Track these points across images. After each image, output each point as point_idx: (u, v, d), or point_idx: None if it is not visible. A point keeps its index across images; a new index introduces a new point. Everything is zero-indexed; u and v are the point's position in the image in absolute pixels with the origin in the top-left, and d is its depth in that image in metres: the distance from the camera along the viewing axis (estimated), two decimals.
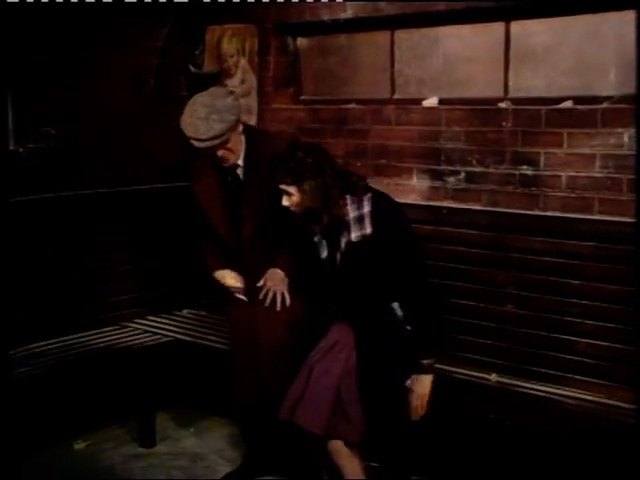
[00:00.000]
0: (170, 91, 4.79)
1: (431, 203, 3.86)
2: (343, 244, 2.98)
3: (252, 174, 3.23)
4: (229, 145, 3.13)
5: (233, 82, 4.71)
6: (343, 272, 3.03)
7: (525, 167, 3.60)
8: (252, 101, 4.64)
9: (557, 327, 3.50)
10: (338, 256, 3.02)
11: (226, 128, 3.05)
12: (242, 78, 4.67)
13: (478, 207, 3.75)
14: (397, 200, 3.20)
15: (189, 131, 3.04)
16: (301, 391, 3.04)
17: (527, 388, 3.48)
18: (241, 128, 3.21)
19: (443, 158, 3.85)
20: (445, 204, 3.84)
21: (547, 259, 3.52)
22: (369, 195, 2.98)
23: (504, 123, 3.64)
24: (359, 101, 4.22)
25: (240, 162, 3.23)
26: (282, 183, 2.94)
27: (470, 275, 3.75)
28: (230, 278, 3.46)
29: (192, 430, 4.33)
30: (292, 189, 2.93)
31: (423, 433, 3.17)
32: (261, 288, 3.27)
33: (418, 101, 4.00)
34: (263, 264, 3.28)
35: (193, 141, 3.04)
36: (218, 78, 4.75)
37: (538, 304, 3.56)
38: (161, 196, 4.72)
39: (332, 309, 3.19)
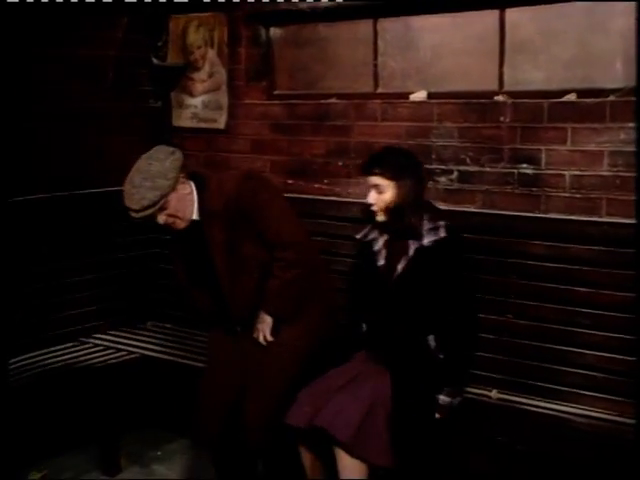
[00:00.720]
0: (131, 86, 4.44)
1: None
2: (412, 250, 2.93)
3: (211, 228, 2.95)
4: (169, 210, 2.84)
5: (200, 75, 4.40)
6: (402, 281, 2.97)
7: (525, 165, 3.34)
8: (221, 96, 4.33)
9: (561, 339, 3.25)
10: (401, 265, 2.96)
11: (159, 195, 2.77)
12: (210, 71, 4.35)
13: (473, 209, 3.49)
14: None
15: (125, 201, 2.79)
16: (323, 400, 2.87)
17: (532, 406, 3.22)
18: (187, 187, 2.93)
19: (434, 156, 3.59)
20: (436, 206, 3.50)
21: (549, 265, 3.27)
22: (444, 222, 2.98)
23: (502, 118, 3.39)
24: (339, 96, 3.91)
25: (195, 217, 2.95)
26: (381, 176, 2.92)
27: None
28: None
29: (160, 454, 3.97)
30: (388, 184, 2.92)
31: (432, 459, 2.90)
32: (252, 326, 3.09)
33: (404, 95, 3.72)
34: (251, 297, 3.04)
35: (129, 212, 2.79)
36: (183, 71, 4.44)
37: (540, 314, 3.31)
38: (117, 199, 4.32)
39: (361, 330, 3.07)
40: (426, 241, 2.92)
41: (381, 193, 2.94)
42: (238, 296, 2.99)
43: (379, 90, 3.85)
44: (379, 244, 3.05)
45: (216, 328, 3.21)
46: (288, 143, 4.06)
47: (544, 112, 3.27)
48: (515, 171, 3.37)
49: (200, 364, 3.63)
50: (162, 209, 2.79)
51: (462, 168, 3.51)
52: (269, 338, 3.03)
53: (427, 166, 3.55)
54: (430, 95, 3.66)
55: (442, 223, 2.95)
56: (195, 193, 2.94)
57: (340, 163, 3.87)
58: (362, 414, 2.81)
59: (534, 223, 3.32)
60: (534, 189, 3.33)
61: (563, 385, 3.25)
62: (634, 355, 3.02)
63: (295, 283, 2.97)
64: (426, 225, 2.95)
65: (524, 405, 3.24)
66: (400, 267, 2.97)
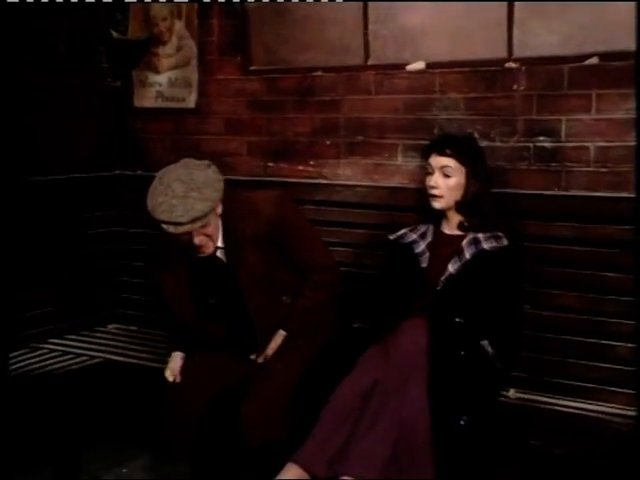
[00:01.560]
0: (86, 61, 3.97)
1: (421, 186, 3.18)
2: (469, 253, 2.76)
3: (242, 254, 2.71)
4: (209, 230, 2.58)
5: (166, 50, 3.97)
6: (453, 283, 2.77)
7: (542, 138, 3.01)
8: (191, 72, 3.90)
9: (588, 330, 2.91)
10: (453, 266, 2.78)
11: (210, 207, 2.51)
12: (178, 45, 3.92)
13: None
14: None
15: (161, 213, 2.47)
16: (341, 442, 2.54)
17: (558, 405, 2.88)
18: (220, 206, 2.64)
19: (437, 131, 3.22)
20: None
21: (572, 248, 2.94)
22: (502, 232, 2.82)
23: (515, 86, 3.05)
24: (326, 69, 3.51)
25: (220, 244, 2.71)
26: (453, 157, 2.76)
27: None
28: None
29: (125, 471, 3.48)
30: (458, 168, 2.77)
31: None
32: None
33: (400, 67, 3.33)
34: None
35: (167, 226, 2.48)
36: (147, 46, 3.98)
37: (563, 303, 2.97)
38: (77, 188, 3.90)
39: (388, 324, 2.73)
40: (487, 246, 2.74)
41: (448, 177, 2.76)
42: (268, 323, 2.79)
43: (370, 62, 3.46)
44: (421, 247, 2.89)
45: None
46: (267, 122, 3.66)
47: (564, 78, 2.94)
48: (531, 145, 3.03)
49: None
50: (204, 226, 2.53)
51: None
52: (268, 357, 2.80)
53: (428, 142, 3.18)
54: (429, 66, 3.27)
55: (500, 234, 2.79)
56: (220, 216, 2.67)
57: (328, 142, 3.49)
58: (389, 449, 2.50)
59: (553, 202, 2.99)
60: (553, 164, 2.99)
61: (591, 382, 2.91)
62: None
63: (326, 303, 2.85)
64: (480, 233, 2.81)
65: (548, 405, 2.90)
66: (452, 268, 2.77)
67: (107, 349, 3.55)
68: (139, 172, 4.04)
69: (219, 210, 2.61)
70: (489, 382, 2.72)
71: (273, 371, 2.72)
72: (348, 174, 3.43)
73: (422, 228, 2.97)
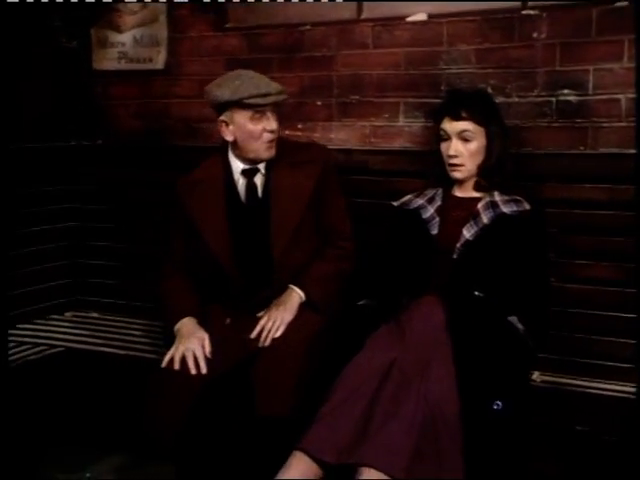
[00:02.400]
0: (36, 21, 3.48)
1: (427, 148, 2.85)
2: (487, 218, 2.45)
3: (280, 179, 2.54)
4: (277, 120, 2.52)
5: (130, 6, 3.52)
6: (471, 249, 2.45)
7: (566, 92, 2.70)
8: (159, 29, 3.50)
9: (620, 303, 2.60)
10: (469, 232, 2.47)
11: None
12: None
13: None
14: None
15: (245, 89, 2.40)
16: (354, 426, 2.15)
17: (590, 388, 2.56)
18: None
19: (444, 87, 2.88)
20: None
21: (601, 212, 2.65)
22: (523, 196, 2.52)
23: (535, 34, 2.72)
24: (314, 24, 3.15)
25: (261, 167, 2.55)
26: (471, 120, 2.46)
27: None
28: (195, 340, 2.42)
29: (89, 476, 3.01)
30: (477, 131, 2.47)
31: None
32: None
33: (396, 19, 2.99)
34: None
35: (254, 99, 2.40)
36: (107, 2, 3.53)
37: (591, 274, 2.67)
38: (28, 160, 3.43)
39: (400, 302, 2.41)
40: (507, 210, 2.45)
41: (468, 142, 2.47)
42: (288, 275, 2.53)
43: (363, 16, 3.09)
44: (429, 211, 2.58)
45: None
46: None
47: (592, 23, 2.64)
48: (553, 99, 2.72)
49: (146, 355, 2.88)
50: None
51: None
52: (282, 328, 2.44)
53: (434, 100, 2.87)
54: (434, 16, 2.93)
55: (519, 197, 2.51)
56: None
57: (319, 102, 3.13)
58: (414, 439, 2.12)
59: (579, 162, 2.69)
60: (578, 120, 2.69)
61: (624, 361, 2.61)
62: None
63: (345, 276, 2.60)
64: (497, 196, 2.51)
65: (579, 388, 2.57)
66: (469, 234, 2.47)
67: (67, 337, 3.09)
68: (99, 142, 3.59)
69: None
70: (522, 362, 2.38)
71: (284, 340, 2.40)
72: (342, 138, 3.08)
73: (430, 192, 2.65)
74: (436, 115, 2.60)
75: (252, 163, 2.53)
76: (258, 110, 2.41)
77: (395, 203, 2.69)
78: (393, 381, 2.22)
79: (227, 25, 3.34)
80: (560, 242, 2.67)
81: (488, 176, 2.52)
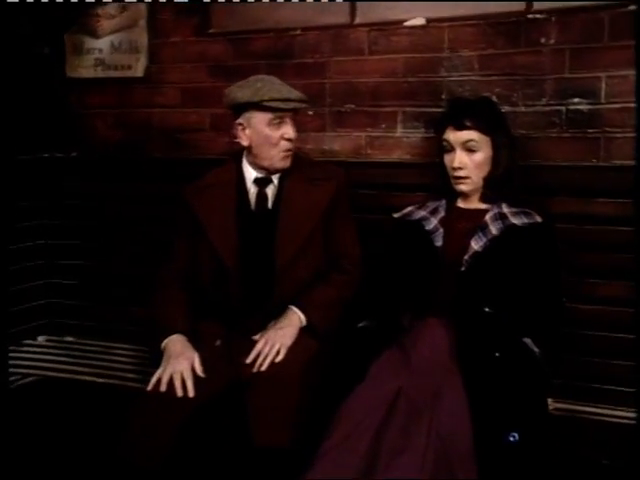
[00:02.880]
0: (5, 24, 3.24)
1: (427, 160, 2.67)
2: (496, 229, 2.28)
3: (293, 192, 2.40)
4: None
5: (107, 9, 3.34)
6: (480, 261, 2.26)
7: (577, 100, 2.54)
8: (139, 35, 3.28)
9: (632, 324, 2.42)
10: (477, 243, 2.29)
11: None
12: (122, 4, 3.27)
13: None
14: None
15: (267, 92, 2.27)
16: (358, 462, 1.94)
17: (607, 416, 2.37)
18: None
19: (445, 96, 2.71)
20: None
21: (614, 228, 2.49)
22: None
23: (543, 40, 2.56)
24: (305, 28, 2.96)
25: (274, 178, 2.40)
26: (476, 129, 2.28)
27: None
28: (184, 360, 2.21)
29: None
30: (483, 140, 2.29)
31: None
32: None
33: (393, 24, 2.81)
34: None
35: (275, 103, 2.27)
36: (84, 5, 3.31)
37: (605, 293, 2.49)
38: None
39: (402, 324, 2.23)
40: (517, 221, 2.28)
41: (473, 152, 2.29)
42: (289, 292, 2.35)
43: (357, 21, 2.91)
44: (432, 223, 2.40)
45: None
46: None
47: (604, 27, 2.48)
48: (562, 108, 2.56)
49: (128, 383, 2.70)
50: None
51: None
52: (282, 353, 2.23)
53: (435, 110, 2.69)
54: (434, 20, 2.76)
55: (529, 210, 2.33)
56: None
57: (311, 112, 2.93)
58: (428, 474, 1.91)
59: (590, 175, 2.53)
60: (590, 130, 2.53)
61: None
62: None
63: (347, 303, 2.42)
64: (505, 207, 2.34)
65: (596, 416, 2.38)
66: (477, 245, 2.28)
67: (41, 365, 2.85)
68: (74, 155, 3.37)
69: None
70: (538, 389, 2.19)
71: (281, 366, 2.19)
72: (336, 149, 2.90)
73: (432, 204, 2.48)
74: (438, 125, 2.42)
75: (266, 172, 2.38)
76: (277, 115, 2.28)
77: (396, 215, 2.52)
78: (400, 412, 2.02)
79: (211, 30, 3.14)
80: (570, 259, 2.49)
81: (495, 188, 2.35)
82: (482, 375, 2.04)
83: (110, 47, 3.31)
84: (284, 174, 2.39)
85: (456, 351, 2.10)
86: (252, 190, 2.39)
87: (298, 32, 2.96)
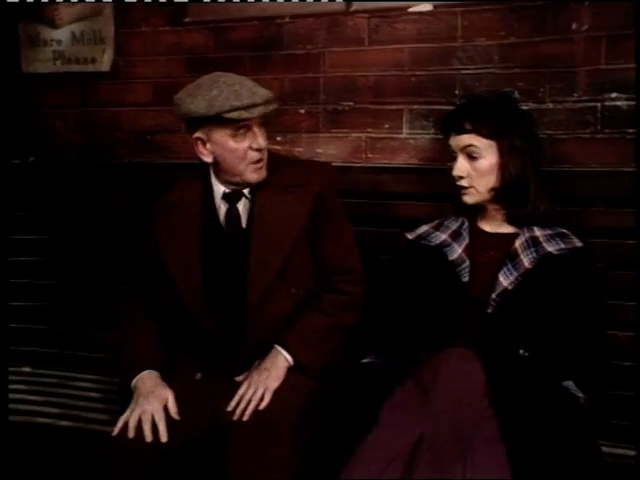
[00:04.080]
0: None
1: (436, 165, 2.28)
2: (528, 260, 1.90)
3: (266, 205, 2.01)
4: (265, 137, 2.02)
5: None
6: (511, 301, 1.89)
7: (614, 95, 2.18)
8: (104, 24, 2.86)
9: None
10: (506, 278, 1.91)
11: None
12: None
13: None
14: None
15: (225, 100, 1.87)
16: None
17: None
18: None
19: (459, 92, 2.33)
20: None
21: None
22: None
23: (574, 26, 2.18)
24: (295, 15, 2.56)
25: (246, 190, 2.03)
26: (476, 133, 1.92)
27: None
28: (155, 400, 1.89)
29: None
30: (487, 146, 1.92)
31: None
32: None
33: (396, 10, 2.41)
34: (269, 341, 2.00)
35: (237, 112, 1.87)
36: None
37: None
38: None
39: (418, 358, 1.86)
40: (553, 248, 1.91)
41: (474, 159, 1.93)
42: (265, 320, 1.97)
43: (354, 7, 2.51)
44: (456, 252, 2.01)
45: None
46: None
47: None
48: (597, 105, 2.20)
49: (96, 415, 2.33)
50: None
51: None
52: (267, 398, 1.88)
53: (446, 107, 2.31)
54: (440, 7, 2.37)
55: (566, 230, 1.97)
56: None
57: (302, 110, 2.54)
58: None
59: (630, 182, 2.13)
60: (630, 130, 2.16)
61: None
62: None
63: (346, 331, 2.04)
64: (538, 230, 1.97)
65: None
66: (506, 281, 1.92)
67: None
68: (31, 160, 2.93)
69: None
70: (587, 438, 1.80)
71: (267, 416, 1.84)
72: (332, 153, 2.51)
73: (452, 224, 2.08)
74: (442, 129, 2.04)
75: (238, 187, 2.01)
76: (241, 125, 1.91)
77: (410, 236, 2.12)
78: (424, 466, 1.65)
79: (187, 18, 2.72)
80: (609, 279, 2.11)
81: (509, 204, 1.96)
82: (522, 423, 1.68)
83: (71, 38, 2.89)
84: (256, 186, 2.01)
85: (488, 393, 1.73)
86: (222, 208, 2.03)
87: (287, 20, 2.56)
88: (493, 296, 1.91)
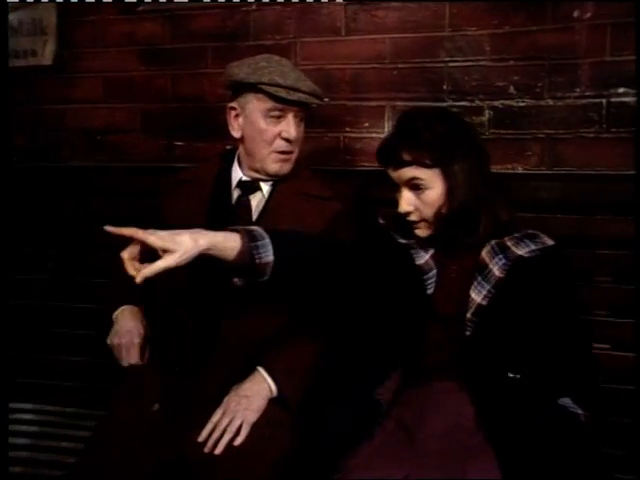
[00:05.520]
0: None
1: None
2: (498, 269, 1.62)
3: (281, 207, 1.81)
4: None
5: None
6: (486, 318, 1.61)
7: (621, 91, 1.94)
8: (46, 12, 2.55)
9: None
10: (478, 293, 1.63)
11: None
12: None
13: (523, 170, 2.01)
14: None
15: (286, 75, 1.74)
16: None
17: None
18: None
19: (447, 87, 2.06)
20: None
21: None
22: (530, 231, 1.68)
23: (576, 13, 1.92)
24: (261, 4, 2.26)
25: (265, 186, 1.84)
26: (417, 164, 1.62)
27: None
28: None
29: None
30: (428, 176, 1.63)
31: None
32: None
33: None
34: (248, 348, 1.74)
35: (294, 93, 1.73)
36: None
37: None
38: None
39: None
40: (523, 251, 1.63)
41: (421, 192, 1.64)
42: (244, 325, 1.71)
43: None
44: (423, 257, 1.73)
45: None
46: (173, 81, 2.36)
47: None
48: (602, 101, 1.95)
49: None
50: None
51: (501, 103, 2.03)
52: (244, 432, 1.61)
53: (436, 103, 2.02)
54: None
55: (533, 231, 1.69)
56: None
57: None
58: None
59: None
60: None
61: None
62: None
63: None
64: (504, 236, 1.69)
65: None
66: (480, 297, 1.63)
67: None
68: None
69: None
70: (596, 459, 1.55)
71: (243, 453, 1.59)
72: (305, 155, 2.18)
73: None
74: (378, 161, 1.74)
75: (256, 175, 1.83)
76: (277, 106, 1.74)
77: (382, 219, 1.82)
78: None
79: (141, 6, 2.39)
80: (615, 294, 1.87)
81: (453, 227, 1.67)
82: (525, 456, 1.44)
83: (8, 29, 2.53)
84: (279, 184, 1.82)
85: (480, 427, 1.51)
86: (235, 196, 1.84)
87: (253, 7, 2.26)
88: (468, 315, 1.63)
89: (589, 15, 1.92)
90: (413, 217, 1.67)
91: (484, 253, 1.65)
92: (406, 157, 1.62)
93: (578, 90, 1.96)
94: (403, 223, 1.70)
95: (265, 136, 1.75)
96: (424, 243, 1.74)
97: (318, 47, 2.19)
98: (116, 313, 1.81)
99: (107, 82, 2.42)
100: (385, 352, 1.69)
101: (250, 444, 1.59)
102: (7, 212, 2.36)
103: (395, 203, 1.66)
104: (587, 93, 1.95)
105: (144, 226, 1.39)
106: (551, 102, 1.98)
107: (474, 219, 1.64)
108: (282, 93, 1.71)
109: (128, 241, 1.38)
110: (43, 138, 2.50)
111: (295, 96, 1.72)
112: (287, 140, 1.76)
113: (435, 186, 1.63)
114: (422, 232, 1.69)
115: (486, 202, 1.64)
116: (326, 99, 2.07)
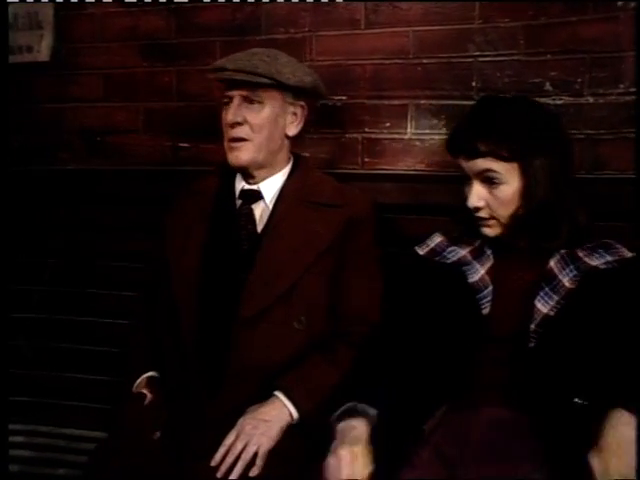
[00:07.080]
0: None
1: (449, 171, 1.81)
2: (569, 280, 1.45)
3: (285, 217, 1.68)
4: (258, 117, 1.66)
5: None
6: (555, 331, 1.42)
7: None
8: (42, 6, 2.40)
9: None
10: (544, 303, 1.45)
11: (275, 75, 1.63)
12: None
13: None
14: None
15: (229, 59, 1.67)
16: None
17: None
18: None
19: (477, 84, 1.87)
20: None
21: None
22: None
23: (620, 2, 1.75)
24: None
25: (266, 194, 1.71)
26: (493, 156, 1.45)
27: None
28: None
29: None
30: (504, 169, 1.46)
31: None
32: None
33: None
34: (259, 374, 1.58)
35: (220, 72, 1.64)
36: None
37: None
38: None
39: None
40: (598, 262, 1.48)
41: (494, 185, 1.49)
42: (255, 348, 1.57)
43: None
44: (478, 272, 1.56)
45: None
46: (178, 78, 2.18)
47: None
48: None
49: None
50: (253, 101, 1.66)
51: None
52: (260, 460, 1.46)
53: (460, 102, 1.87)
54: None
55: (610, 240, 1.54)
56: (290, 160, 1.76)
57: None
58: None
59: None
60: None
61: None
62: None
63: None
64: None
65: None
66: (547, 307, 1.47)
67: None
68: None
69: (292, 129, 1.71)
70: None
71: None
72: (321, 156, 2.04)
73: (473, 239, 1.61)
74: (448, 150, 1.59)
75: (248, 179, 1.72)
76: (226, 92, 1.67)
77: (421, 250, 1.66)
78: None
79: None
80: None
81: (531, 232, 1.51)
82: None
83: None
84: (282, 191, 1.70)
85: (542, 467, 1.32)
86: (237, 205, 1.73)
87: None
88: (532, 327, 1.46)
89: (634, 4, 1.73)
90: (483, 213, 1.52)
91: (552, 263, 1.50)
92: (482, 148, 1.47)
93: (622, 87, 1.78)
94: (469, 221, 1.53)
95: (223, 125, 1.67)
96: (483, 251, 1.56)
97: (335, 41, 2.01)
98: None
99: (107, 79, 2.26)
100: (437, 385, 1.50)
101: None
102: (1, 219, 2.18)
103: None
104: (631, 90, 1.77)
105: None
106: (591, 100, 1.81)
107: (553, 222, 1.48)
108: (214, 75, 1.67)
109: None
110: (39, 139, 2.33)
111: (220, 75, 1.65)
112: (229, 125, 1.64)
113: (511, 182, 1.49)
114: (491, 231, 1.54)
115: (567, 205, 1.47)
116: (343, 96, 1.89)
